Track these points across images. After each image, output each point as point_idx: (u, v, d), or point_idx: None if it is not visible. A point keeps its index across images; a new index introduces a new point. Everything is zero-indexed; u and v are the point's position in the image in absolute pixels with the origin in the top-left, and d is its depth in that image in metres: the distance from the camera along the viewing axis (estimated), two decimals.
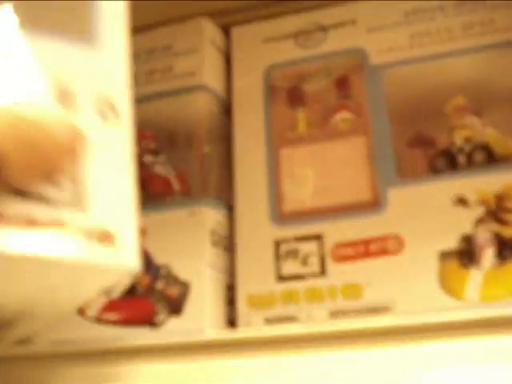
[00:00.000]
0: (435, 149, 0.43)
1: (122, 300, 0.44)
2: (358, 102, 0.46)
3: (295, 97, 0.47)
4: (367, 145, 0.44)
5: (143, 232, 0.45)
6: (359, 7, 0.48)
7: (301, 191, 0.45)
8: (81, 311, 0.44)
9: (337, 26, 0.48)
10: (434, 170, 0.43)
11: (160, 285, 0.44)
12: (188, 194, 0.46)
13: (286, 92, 0.48)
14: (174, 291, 0.43)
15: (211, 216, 0.45)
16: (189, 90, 0.48)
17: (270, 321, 0.43)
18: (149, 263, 0.44)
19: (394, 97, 0.45)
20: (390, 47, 0.46)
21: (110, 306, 0.44)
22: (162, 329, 0.43)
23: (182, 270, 0.44)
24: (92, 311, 0.44)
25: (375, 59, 0.46)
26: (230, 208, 0.47)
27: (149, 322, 0.43)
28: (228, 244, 0.46)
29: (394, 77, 0.45)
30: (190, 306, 0.43)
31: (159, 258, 0.44)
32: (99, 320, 0.44)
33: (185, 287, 0.43)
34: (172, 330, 0.43)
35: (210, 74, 0.48)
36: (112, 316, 0.44)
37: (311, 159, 0.46)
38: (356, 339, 0.36)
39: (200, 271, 0.43)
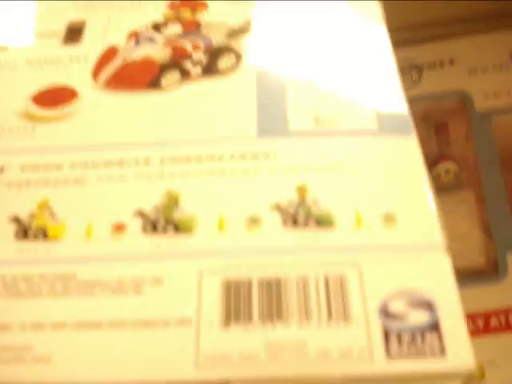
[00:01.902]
0: None
1: None
2: (462, 151, 0.40)
3: None
4: (477, 200, 0.39)
5: None
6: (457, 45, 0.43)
7: None
8: None
9: (433, 65, 0.42)
10: None
11: None
12: None
13: None
14: None
15: None
16: None
17: None
18: None
19: (502, 146, 0.40)
20: (496, 91, 0.41)
21: None
22: None
23: None
24: None
25: (481, 104, 0.41)
26: None
27: None
28: None
29: (501, 124, 0.41)
30: None
31: None
32: None
33: None
34: None
35: None
36: None
37: None
38: None
39: None
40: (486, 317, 0.37)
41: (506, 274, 0.37)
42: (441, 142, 0.41)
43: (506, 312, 0.37)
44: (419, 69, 0.42)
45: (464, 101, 0.41)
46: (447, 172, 0.40)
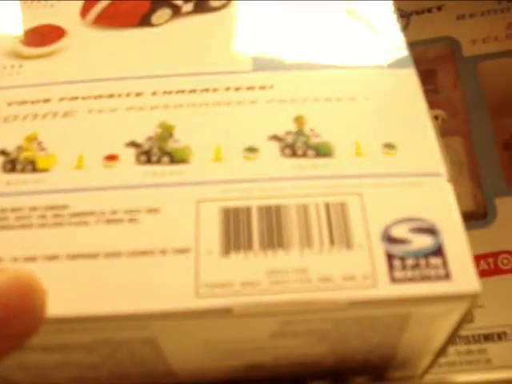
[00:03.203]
0: None
1: None
2: (450, 98, 0.40)
3: None
4: (466, 147, 0.39)
5: None
6: None
7: None
8: None
9: (420, 11, 0.42)
10: None
11: None
12: None
13: None
14: None
15: None
16: None
17: None
18: None
19: (491, 92, 0.40)
20: (485, 37, 0.41)
21: None
22: None
23: None
24: None
25: (469, 50, 0.41)
26: None
27: None
28: None
29: (489, 70, 0.40)
30: None
31: None
32: None
33: None
34: None
35: None
36: None
37: None
38: None
39: None
40: (475, 261, 0.37)
41: (494, 218, 0.37)
42: (428, 88, 0.40)
43: (495, 256, 0.37)
44: (407, 15, 0.42)
45: (452, 47, 0.41)
46: (435, 119, 0.40)
